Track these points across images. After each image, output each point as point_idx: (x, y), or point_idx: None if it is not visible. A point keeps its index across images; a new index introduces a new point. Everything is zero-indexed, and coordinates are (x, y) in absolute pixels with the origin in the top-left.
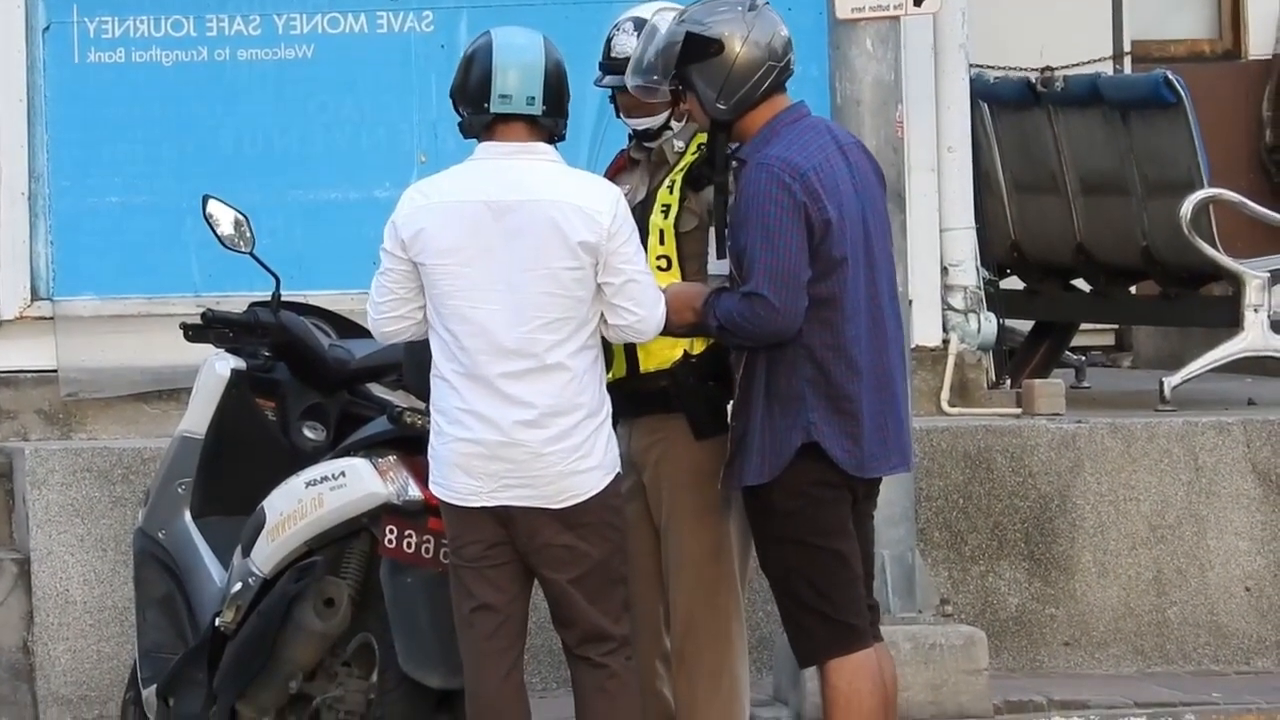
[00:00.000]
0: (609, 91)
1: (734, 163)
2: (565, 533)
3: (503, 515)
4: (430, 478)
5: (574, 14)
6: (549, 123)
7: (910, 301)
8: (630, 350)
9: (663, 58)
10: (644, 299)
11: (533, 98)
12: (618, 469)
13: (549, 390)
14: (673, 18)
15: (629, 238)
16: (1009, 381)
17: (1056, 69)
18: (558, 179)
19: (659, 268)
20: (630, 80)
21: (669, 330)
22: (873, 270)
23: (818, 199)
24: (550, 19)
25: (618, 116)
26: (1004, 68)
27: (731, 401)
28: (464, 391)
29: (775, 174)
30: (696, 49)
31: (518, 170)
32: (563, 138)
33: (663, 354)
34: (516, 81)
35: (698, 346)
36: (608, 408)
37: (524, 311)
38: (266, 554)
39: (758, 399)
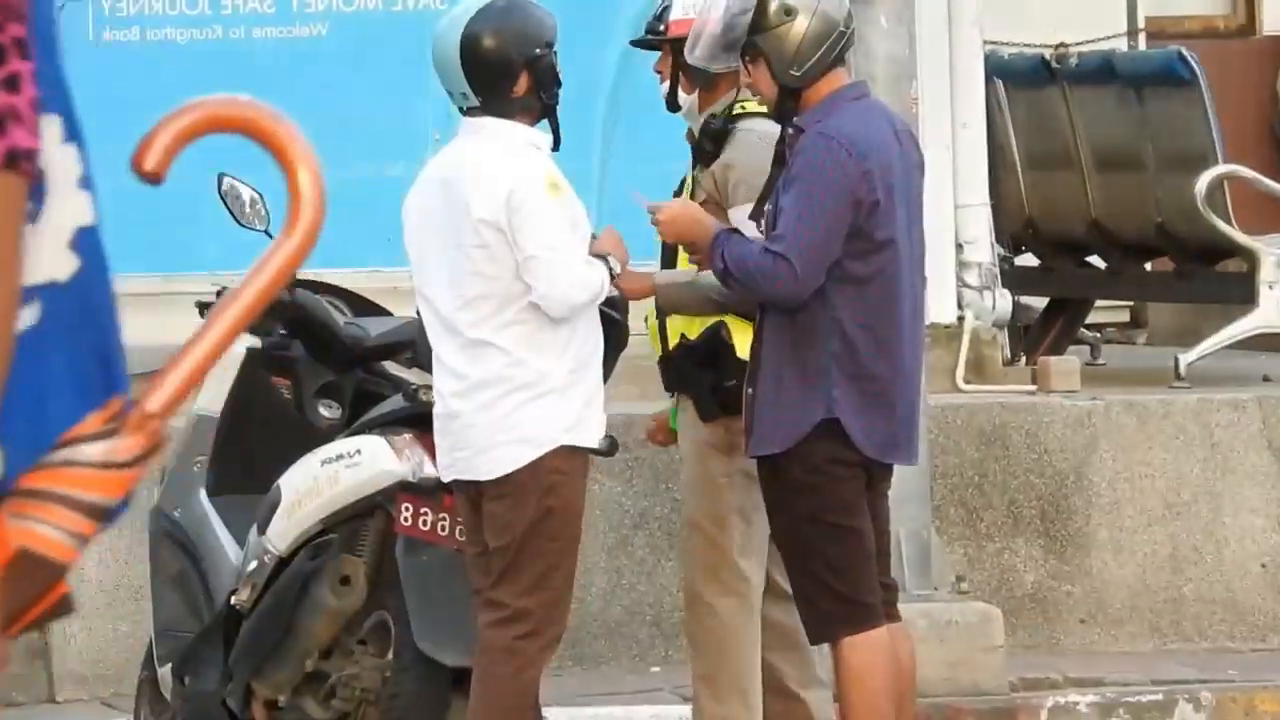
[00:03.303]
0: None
1: (789, 130)
2: (495, 501)
3: (462, 490)
4: None
5: None
6: (493, 106)
7: (924, 279)
8: (662, 329)
9: (735, 26)
10: (544, 274)
11: (465, 93)
12: (558, 444)
13: (479, 363)
14: None
15: (532, 213)
16: (1024, 358)
17: (1071, 45)
18: (479, 156)
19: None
20: (697, 55)
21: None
22: (911, 257)
23: (870, 179)
24: None
25: (672, 107)
26: (1018, 44)
27: (725, 380)
28: (433, 366)
29: (834, 148)
30: (768, 16)
31: (463, 147)
32: (547, 107)
33: (679, 334)
34: (446, 83)
35: (694, 331)
36: (555, 382)
37: (454, 288)
38: (282, 532)
39: (775, 367)
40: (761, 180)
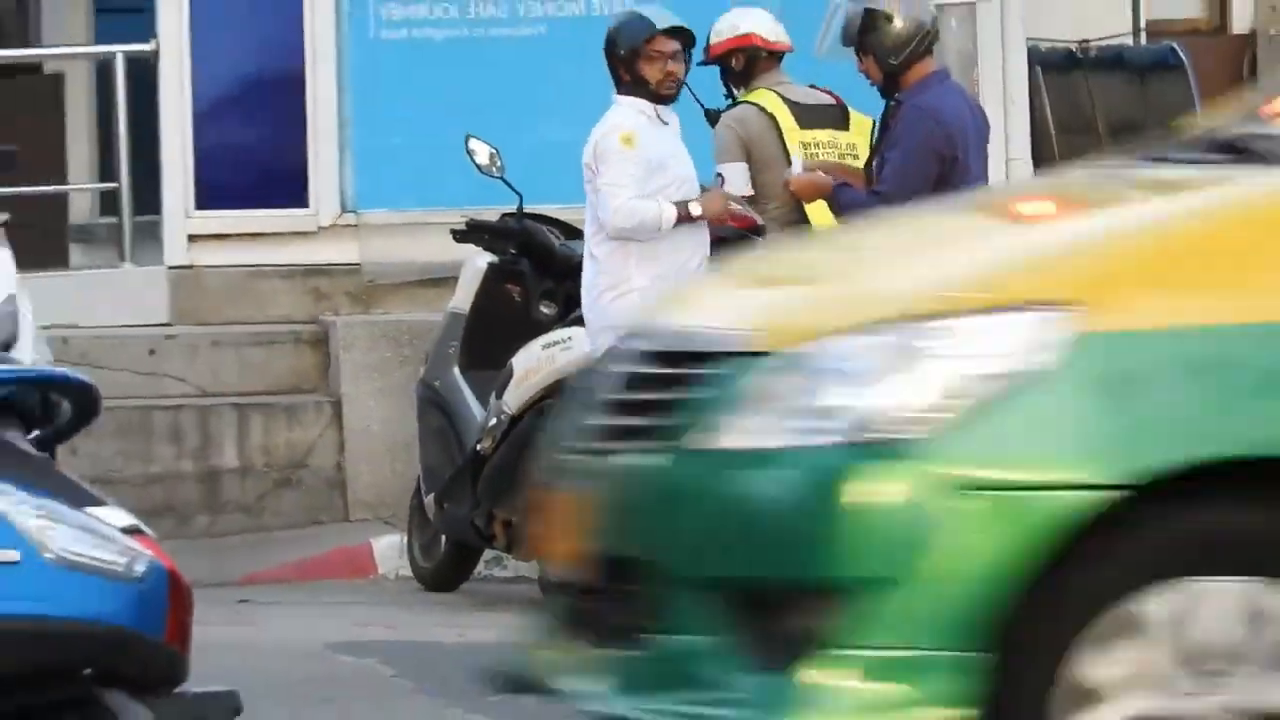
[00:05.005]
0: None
1: (891, 103)
2: None
3: None
4: None
5: None
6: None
7: None
8: None
9: (847, 31)
10: (602, 203)
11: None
12: None
13: (588, 270)
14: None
15: (603, 157)
16: None
17: (1091, 41)
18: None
19: None
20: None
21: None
22: None
23: (951, 141)
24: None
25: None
26: (1051, 40)
27: None
28: None
29: (924, 117)
30: (874, 20)
31: None
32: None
33: None
34: None
35: None
36: (636, 284)
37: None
38: (515, 397)
39: None
40: (722, 152)
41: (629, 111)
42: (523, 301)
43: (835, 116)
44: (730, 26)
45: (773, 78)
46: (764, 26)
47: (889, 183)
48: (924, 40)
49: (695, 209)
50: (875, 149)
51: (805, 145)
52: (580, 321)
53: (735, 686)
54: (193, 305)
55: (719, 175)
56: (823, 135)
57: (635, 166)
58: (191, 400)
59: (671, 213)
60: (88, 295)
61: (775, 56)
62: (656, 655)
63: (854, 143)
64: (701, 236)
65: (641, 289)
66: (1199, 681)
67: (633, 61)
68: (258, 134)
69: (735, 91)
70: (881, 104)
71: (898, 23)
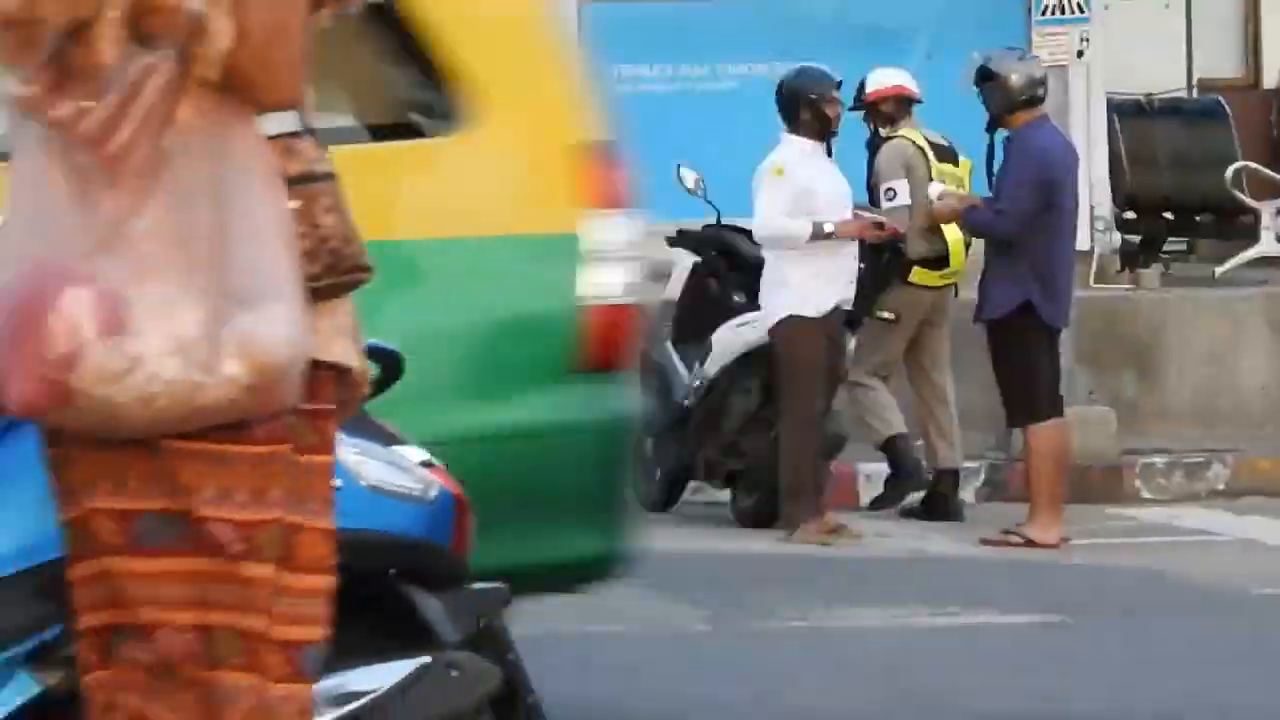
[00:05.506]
0: None
1: (1003, 139)
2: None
3: None
4: None
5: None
6: (788, 126)
7: (1075, 225)
8: None
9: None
10: (755, 220)
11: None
12: (786, 313)
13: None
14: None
15: (758, 182)
16: (1128, 270)
17: (1155, 94)
18: None
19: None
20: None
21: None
22: (1073, 216)
23: (1053, 170)
24: None
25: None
26: (1125, 93)
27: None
28: None
29: (1034, 151)
30: (985, 74)
31: None
32: (790, 122)
33: None
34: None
35: None
36: (793, 280)
37: None
38: (712, 365)
39: (1002, 272)
40: (892, 172)
41: (790, 147)
42: (719, 291)
43: (951, 155)
44: (887, 78)
45: (911, 121)
46: (910, 81)
47: (1005, 202)
48: (1036, 92)
49: (828, 227)
50: (998, 176)
51: (939, 175)
52: (759, 307)
53: None
54: None
55: (891, 189)
56: (947, 169)
57: (782, 192)
58: None
59: (807, 230)
60: None
61: (912, 105)
62: None
63: (961, 177)
64: (849, 247)
65: (798, 283)
66: None
67: (818, 106)
68: None
69: (881, 130)
70: (980, 144)
71: (1014, 79)
